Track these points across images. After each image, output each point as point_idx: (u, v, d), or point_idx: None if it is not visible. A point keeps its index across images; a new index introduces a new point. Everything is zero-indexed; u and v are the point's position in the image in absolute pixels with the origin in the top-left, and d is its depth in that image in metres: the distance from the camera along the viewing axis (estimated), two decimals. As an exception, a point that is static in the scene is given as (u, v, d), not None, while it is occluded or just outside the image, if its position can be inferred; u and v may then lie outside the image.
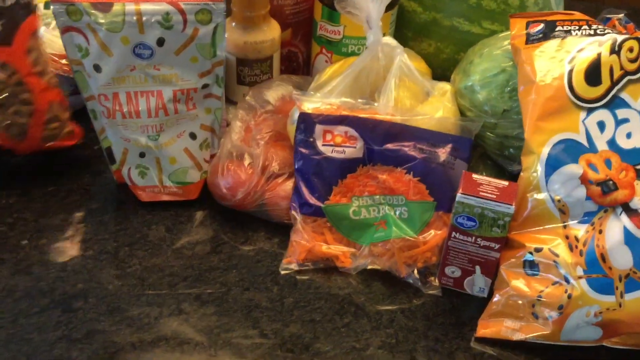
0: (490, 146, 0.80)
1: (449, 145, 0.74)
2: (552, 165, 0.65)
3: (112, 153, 0.78)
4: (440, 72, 0.90)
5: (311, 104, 0.76)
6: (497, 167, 0.82)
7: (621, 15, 1.06)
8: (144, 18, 0.69)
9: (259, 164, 0.77)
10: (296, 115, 0.77)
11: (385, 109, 0.76)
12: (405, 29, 0.93)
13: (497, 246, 0.66)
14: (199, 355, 0.64)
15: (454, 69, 0.88)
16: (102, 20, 0.68)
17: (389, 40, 0.80)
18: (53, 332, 0.65)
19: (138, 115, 0.73)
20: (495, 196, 0.64)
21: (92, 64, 0.70)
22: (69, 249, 0.74)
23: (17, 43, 0.74)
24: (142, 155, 0.77)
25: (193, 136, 0.78)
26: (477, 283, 0.70)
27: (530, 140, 0.67)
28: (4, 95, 0.74)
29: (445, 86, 0.79)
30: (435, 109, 0.77)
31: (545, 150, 0.66)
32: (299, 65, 0.96)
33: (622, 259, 0.63)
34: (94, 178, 0.84)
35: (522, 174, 0.67)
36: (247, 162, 0.78)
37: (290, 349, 0.65)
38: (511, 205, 0.63)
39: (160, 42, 0.70)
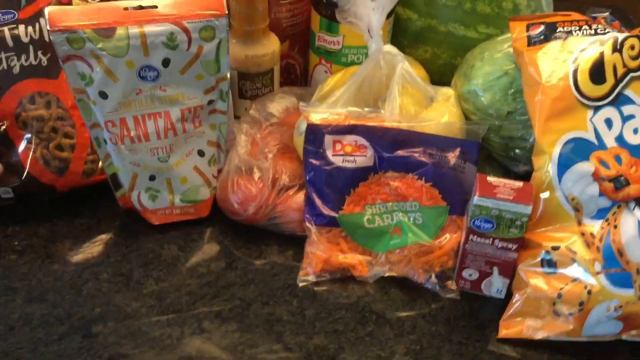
0: (495, 148, 0.81)
1: (458, 149, 0.74)
2: (564, 164, 0.66)
3: (117, 179, 0.77)
4: (438, 77, 0.91)
5: (318, 115, 0.76)
6: (502, 168, 0.83)
7: (606, 14, 1.09)
8: (148, 40, 0.68)
9: (269, 177, 0.77)
10: (303, 127, 0.77)
11: (391, 117, 0.76)
12: (400, 37, 0.94)
13: (515, 246, 0.67)
14: (226, 373, 0.63)
15: (451, 74, 0.89)
16: (105, 46, 0.67)
17: (390, 48, 0.80)
18: (76, 359, 0.64)
19: (147, 139, 0.73)
20: (512, 197, 0.64)
21: (98, 91, 0.69)
22: (82, 273, 0.73)
23: (63, 76, 0.74)
24: (152, 178, 0.76)
25: (201, 153, 0.78)
26: (494, 284, 0.71)
27: (540, 141, 0.68)
28: (46, 129, 0.75)
29: (448, 91, 0.80)
30: (441, 114, 0.78)
31: (557, 150, 0.67)
32: (296, 77, 0.97)
33: (638, 252, 0.64)
34: (99, 202, 0.83)
35: (534, 174, 0.68)
36: (256, 176, 0.77)
37: (316, 361, 0.65)
38: (529, 205, 0.64)
39: (166, 62, 0.70)
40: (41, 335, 0.66)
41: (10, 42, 0.75)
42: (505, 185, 0.66)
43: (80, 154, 0.77)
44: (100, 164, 0.78)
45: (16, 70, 0.76)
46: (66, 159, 0.77)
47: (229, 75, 0.74)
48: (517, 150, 0.79)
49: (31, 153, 0.76)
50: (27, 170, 0.76)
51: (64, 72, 0.70)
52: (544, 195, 0.67)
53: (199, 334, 0.67)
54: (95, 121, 0.72)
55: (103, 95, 0.69)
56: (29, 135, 0.76)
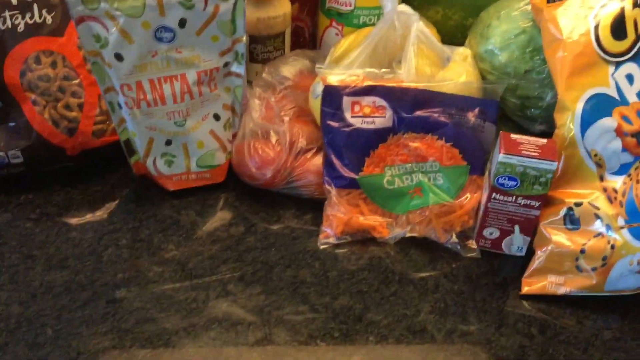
0: (511, 108, 0.81)
1: (477, 109, 0.74)
2: (587, 120, 0.66)
3: (131, 145, 0.76)
4: (448, 39, 0.90)
5: (335, 77, 0.75)
6: (518, 128, 0.83)
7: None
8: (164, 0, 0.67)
9: (286, 141, 0.76)
10: (319, 89, 0.76)
11: (409, 77, 0.76)
12: (411, -2, 0.93)
13: (538, 204, 0.67)
14: (255, 334, 0.63)
15: (462, 36, 0.89)
16: (121, 6, 0.65)
17: (405, 8, 0.79)
18: (102, 324, 0.63)
19: (163, 102, 0.71)
20: (537, 154, 0.64)
21: (113, 53, 0.68)
22: (100, 239, 0.72)
23: (69, 35, 0.73)
24: (168, 143, 0.75)
25: (217, 117, 0.77)
26: (515, 242, 0.72)
27: (563, 97, 0.67)
28: (53, 89, 0.73)
29: (465, 51, 0.80)
30: (458, 74, 0.77)
31: (580, 106, 0.67)
32: (305, 41, 0.95)
33: (661, 206, 0.64)
34: (111, 169, 0.81)
35: (556, 131, 0.68)
36: (273, 139, 0.77)
37: (343, 320, 0.65)
38: (554, 161, 0.64)
39: (182, 23, 0.68)
40: (65, 302, 0.66)
41: (14, 1, 0.73)
42: (529, 142, 0.66)
43: (89, 113, 0.76)
44: (109, 124, 0.77)
45: (21, 28, 0.74)
46: (75, 119, 0.75)
47: (245, 37, 0.73)
48: (533, 110, 0.79)
49: (38, 114, 0.74)
50: (36, 131, 0.74)
51: (74, 33, 0.68)
52: (567, 151, 0.67)
53: (225, 297, 0.67)
54: (110, 85, 0.70)
55: (118, 57, 0.68)
56: (34, 97, 0.74)
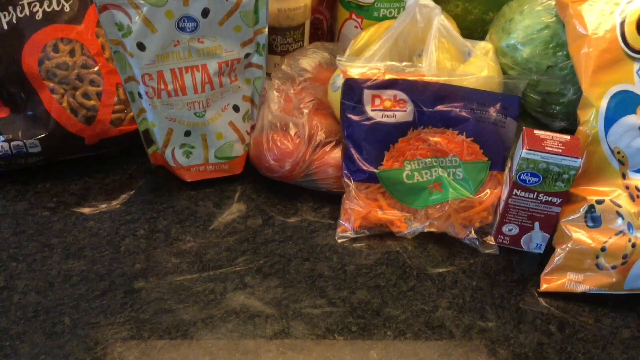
0: (531, 104, 0.80)
1: (498, 104, 0.73)
2: (611, 117, 0.66)
3: (149, 135, 0.76)
4: (467, 33, 0.89)
5: (356, 69, 0.74)
6: (538, 125, 0.82)
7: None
8: (188, -11, 0.66)
9: (305, 133, 0.76)
10: (339, 82, 0.75)
11: (430, 71, 0.75)
12: (430, -9, 0.92)
13: (559, 201, 0.67)
14: (272, 326, 0.63)
15: (482, 30, 0.88)
16: None
17: (427, 1, 0.78)
18: (119, 314, 0.63)
19: (184, 92, 0.71)
20: (560, 150, 0.64)
21: (136, 43, 0.67)
22: (118, 229, 0.72)
23: (87, 22, 0.73)
24: (187, 133, 0.75)
25: (236, 109, 0.76)
26: (534, 239, 0.71)
27: (588, 94, 0.67)
28: (72, 77, 0.73)
29: (487, 45, 0.79)
30: (479, 68, 0.76)
31: (604, 103, 0.66)
32: (323, 33, 0.95)
33: (685, 206, 0.64)
34: (129, 159, 0.81)
35: (580, 127, 0.68)
36: (292, 132, 0.76)
37: (361, 315, 0.65)
38: (578, 158, 0.64)
39: (205, 13, 0.68)
40: (82, 292, 0.66)
41: (32, -12, 0.73)
42: (553, 138, 0.65)
43: (107, 102, 0.75)
44: (128, 112, 0.77)
45: (39, 16, 0.74)
46: (93, 107, 0.75)
47: (266, 29, 0.73)
48: (554, 106, 0.78)
49: (56, 103, 0.74)
50: (54, 119, 0.74)
51: (93, 21, 0.68)
52: (590, 148, 0.67)
53: (242, 289, 0.67)
54: (131, 74, 0.70)
55: (141, 46, 0.67)
56: (52, 85, 0.74)
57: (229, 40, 0.71)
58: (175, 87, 0.71)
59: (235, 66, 0.73)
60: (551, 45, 0.75)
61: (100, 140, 0.76)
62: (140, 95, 0.72)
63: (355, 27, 0.89)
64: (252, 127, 0.80)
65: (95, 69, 0.75)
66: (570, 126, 0.79)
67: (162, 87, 0.70)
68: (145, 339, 0.61)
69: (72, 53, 0.74)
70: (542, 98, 0.78)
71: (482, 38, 0.85)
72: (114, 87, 0.75)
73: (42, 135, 0.75)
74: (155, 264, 0.69)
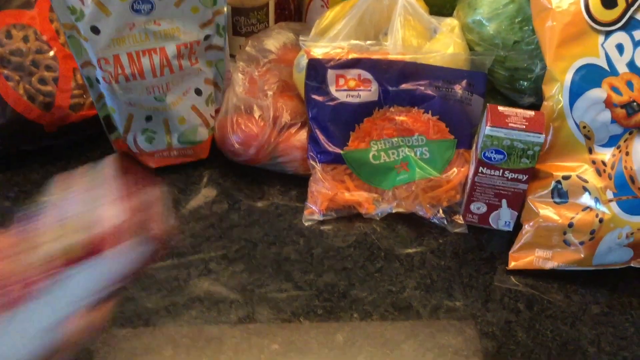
0: (499, 80, 0.79)
1: (464, 81, 0.72)
2: (576, 91, 0.65)
3: (111, 121, 0.74)
4: (436, 10, 0.88)
5: (320, 49, 0.73)
6: (506, 101, 0.81)
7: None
8: (141, -31, 0.64)
9: (269, 116, 0.74)
10: (304, 63, 0.74)
11: (395, 49, 0.74)
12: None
13: (526, 177, 0.66)
14: (237, 312, 0.62)
15: (450, 7, 0.86)
16: None
17: (391, -22, 0.77)
18: (81, 304, 0.62)
19: (142, 76, 0.69)
20: (524, 126, 0.63)
21: (89, 26, 0.65)
22: (80, 219, 0.71)
23: (40, 7, 0.71)
24: (148, 118, 0.73)
25: (198, 92, 0.75)
26: (503, 217, 0.70)
27: (552, 68, 0.66)
28: (27, 63, 0.71)
29: (452, 22, 0.78)
30: (445, 45, 0.75)
31: (568, 77, 0.65)
32: (290, 13, 0.93)
33: (650, 179, 0.63)
34: (92, 147, 0.80)
35: (545, 102, 0.67)
36: (257, 114, 0.75)
37: (327, 298, 0.64)
38: (541, 134, 0.63)
39: (160, -7, 0.66)
40: (43, 282, 0.64)
41: (-19, -25, 0.71)
42: (517, 114, 0.64)
43: (64, 87, 0.73)
44: (87, 97, 0.75)
45: None
46: (50, 93, 0.73)
47: (225, 8, 0.71)
48: (522, 82, 0.77)
49: (12, 90, 0.72)
50: (10, 107, 0.72)
51: (45, 6, 0.66)
52: (555, 123, 0.66)
53: (206, 275, 0.66)
54: (87, 59, 0.68)
55: (95, 30, 0.66)
56: (7, 72, 0.72)
57: (187, 21, 0.69)
58: (133, 71, 0.69)
59: (195, 48, 0.71)
60: (517, 20, 0.73)
61: (60, 127, 0.75)
62: (97, 80, 0.70)
63: (322, 6, 0.87)
64: (217, 111, 0.78)
65: (51, 54, 0.73)
66: (538, 102, 0.77)
67: (120, 71, 0.68)
68: (107, 328, 0.60)
69: (25, 39, 0.72)
70: (509, 74, 0.77)
71: (451, 14, 0.84)
72: (70, 72, 0.73)
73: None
74: (118, 252, 0.67)
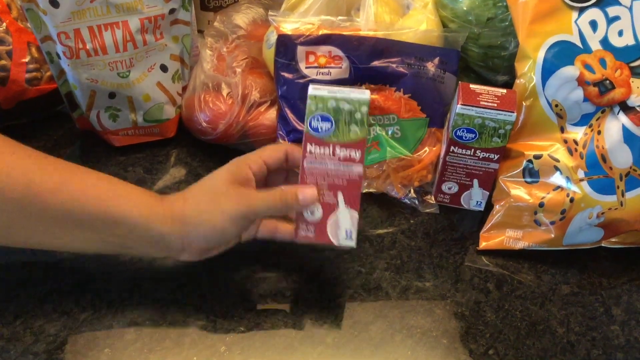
0: (473, 58, 0.78)
1: (437, 59, 0.71)
2: (548, 69, 0.64)
3: (73, 98, 0.72)
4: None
5: (289, 25, 0.71)
6: (480, 79, 0.80)
7: None
8: (100, -63, 0.62)
9: (238, 94, 0.72)
10: (273, 39, 0.72)
11: (367, 25, 0.72)
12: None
13: (497, 157, 0.65)
14: (202, 294, 0.61)
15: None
16: None
17: (364, -48, 0.75)
18: (41, 286, 0.60)
19: (104, 52, 0.67)
20: (496, 104, 0.62)
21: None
22: (42, 199, 0.69)
23: None
24: (112, 95, 0.71)
25: (164, 68, 0.72)
26: (474, 197, 0.70)
27: (524, 45, 0.64)
28: None
29: (425, -3, 0.76)
30: (418, 22, 0.74)
31: (541, 54, 0.64)
32: (262, -11, 0.90)
33: (622, 158, 0.63)
34: (56, 125, 0.77)
35: (517, 80, 0.66)
36: (225, 92, 0.73)
37: (295, 280, 0.63)
38: (513, 112, 0.62)
39: (122, -36, 0.64)
40: (1, 263, 0.62)
41: None
42: (488, 92, 0.63)
43: (19, 60, 0.71)
44: (45, 71, 0.72)
45: None
46: (4, 67, 0.70)
47: (191, -19, 0.69)
48: (495, 60, 0.76)
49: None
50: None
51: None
52: (527, 102, 0.65)
53: (171, 258, 0.64)
54: (47, 34, 0.66)
55: (53, 3, 0.63)
56: None
57: (151, -6, 0.67)
58: (95, 46, 0.66)
59: (160, 23, 0.69)
60: (491, -4, 0.72)
61: (19, 103, 0.72)
62: (58, 55, 0.67)
63: (293, -19, 0.85)
64: (184, 88, 0.76)
65: (3, 27, 0.70)
66: (513, 80, 0.76)
67: (80, 46, 0.66)
68: (68, 312, 0.58)
69: None
70: (483, 51, 0.75)
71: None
72: (24, 45, 0.70)
73: None
74: (80, 233, 0.65)
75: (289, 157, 0.57)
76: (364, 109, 0.54)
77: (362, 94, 0.54)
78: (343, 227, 0.56)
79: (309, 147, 0.55)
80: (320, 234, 0.56)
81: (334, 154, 0.55)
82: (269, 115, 0.73)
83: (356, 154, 0.54)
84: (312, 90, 0.54)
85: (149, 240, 0.54)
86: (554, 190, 0.64)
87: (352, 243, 0.56)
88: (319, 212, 0.56)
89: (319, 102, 0.54)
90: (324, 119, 0.54)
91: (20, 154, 0.51)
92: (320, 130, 0.54)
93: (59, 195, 0.50)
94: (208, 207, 0.53)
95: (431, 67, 0.71)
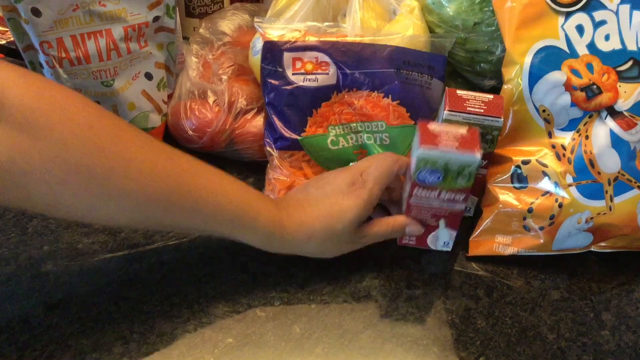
0: (460, 63, 0.78)
1: (424, 64, 0.71)
2: (535, 74, 0.64)
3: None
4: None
5: (275, 31, 0.70)
6: (468, 84, 0.80)
7: None
8: (83, -54, 0.61)
9: (224, 101, 0.72)
10: (259, 45, 0.71)
11: (353, 31, 0.71)
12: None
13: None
14: (191, 306, 0.60)
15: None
16: None
17: (350, -43, 0.75)
18: (27, 300, 0.59)
19: (88, 61, 0.66)
20: (482, 110, 0.62)
21: (30, 8, 0.62)
22: (24, 210, 0.68)
23: None
24: None
25: (149, 76, 0.72)
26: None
27: (511, 50, 0.64)
28: None
29: (412, 3, 0.76)
30: (405, 27, 0.73)
31: (528, 60, 0.64)
32: (248, -6, 0.90)
33: (610, 163, 0.63)
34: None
35: (504, 86, 0.66)
36: (211, 100, 0.72)
37: (284, 289, 0.62)
38: (500, 118, 0.61)
39: (104, -28, 0.63)
40: (-15, 278, 0.61)
41: None
42: (475, 98, 0.63)
43: None
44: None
45: None
46: None
47: (175, -12, 0.68)
48: (483, 65, 0.76)
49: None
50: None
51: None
52: (514, 107, 0.65)
53: (159, 269, 0.63)
54: (29, 43, 0.65)
55: (36, 12, 0.62)
56: None
57: (134, 2, 0.66)
58: (78, 55, 0.65)
59: (144, 30, 0.68)
60: (477, 1, 0.72)
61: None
62: (41, 65, 0.67)
63: (279, -14, 0.84)
64: (170, 96, 0.75)
65: None
66: (500, 85, 0.76)
67: (64, 55, 0.65)
68: (54, 326, 0.57)
69: None
70: (470, 56, 0.75)
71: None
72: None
73: None
74: (65, 245, 0.65)
75: (399, 170, 0.62)
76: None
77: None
78: (442, 239, 0.64)
79: (415, 190, 0.59)
80: (420, 242, 0.65)
81: (439, 196, 0.59)
82: (256, 123, 0.72)
83: (460, 197, 0.59)
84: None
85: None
86: (542, 195, 0.64)
87: (449, 249, 0.65)
88: (421, 232, 0.63)
89: (428, 161, 0.57)
90: (433, 172, 0.57)
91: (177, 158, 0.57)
92: (427, 181, 0.58)
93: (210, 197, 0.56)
94: (327, 244, 0.61)
95: (418, 72, 0.70)
